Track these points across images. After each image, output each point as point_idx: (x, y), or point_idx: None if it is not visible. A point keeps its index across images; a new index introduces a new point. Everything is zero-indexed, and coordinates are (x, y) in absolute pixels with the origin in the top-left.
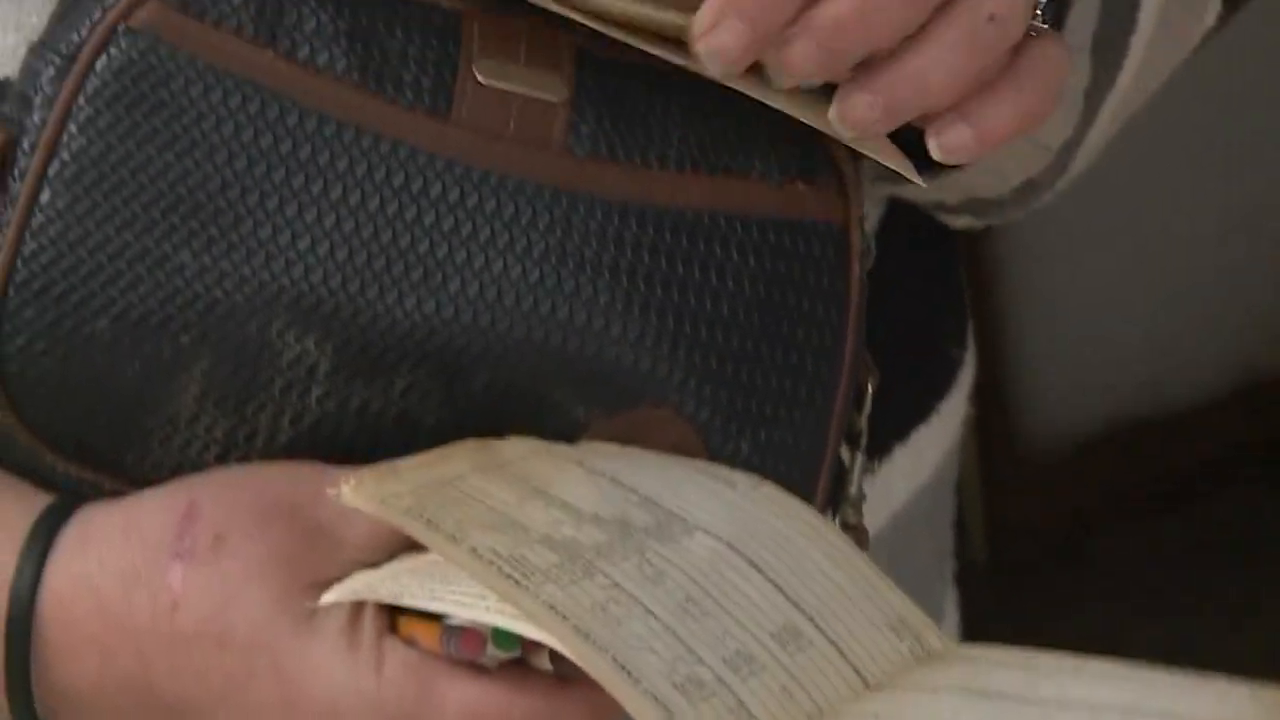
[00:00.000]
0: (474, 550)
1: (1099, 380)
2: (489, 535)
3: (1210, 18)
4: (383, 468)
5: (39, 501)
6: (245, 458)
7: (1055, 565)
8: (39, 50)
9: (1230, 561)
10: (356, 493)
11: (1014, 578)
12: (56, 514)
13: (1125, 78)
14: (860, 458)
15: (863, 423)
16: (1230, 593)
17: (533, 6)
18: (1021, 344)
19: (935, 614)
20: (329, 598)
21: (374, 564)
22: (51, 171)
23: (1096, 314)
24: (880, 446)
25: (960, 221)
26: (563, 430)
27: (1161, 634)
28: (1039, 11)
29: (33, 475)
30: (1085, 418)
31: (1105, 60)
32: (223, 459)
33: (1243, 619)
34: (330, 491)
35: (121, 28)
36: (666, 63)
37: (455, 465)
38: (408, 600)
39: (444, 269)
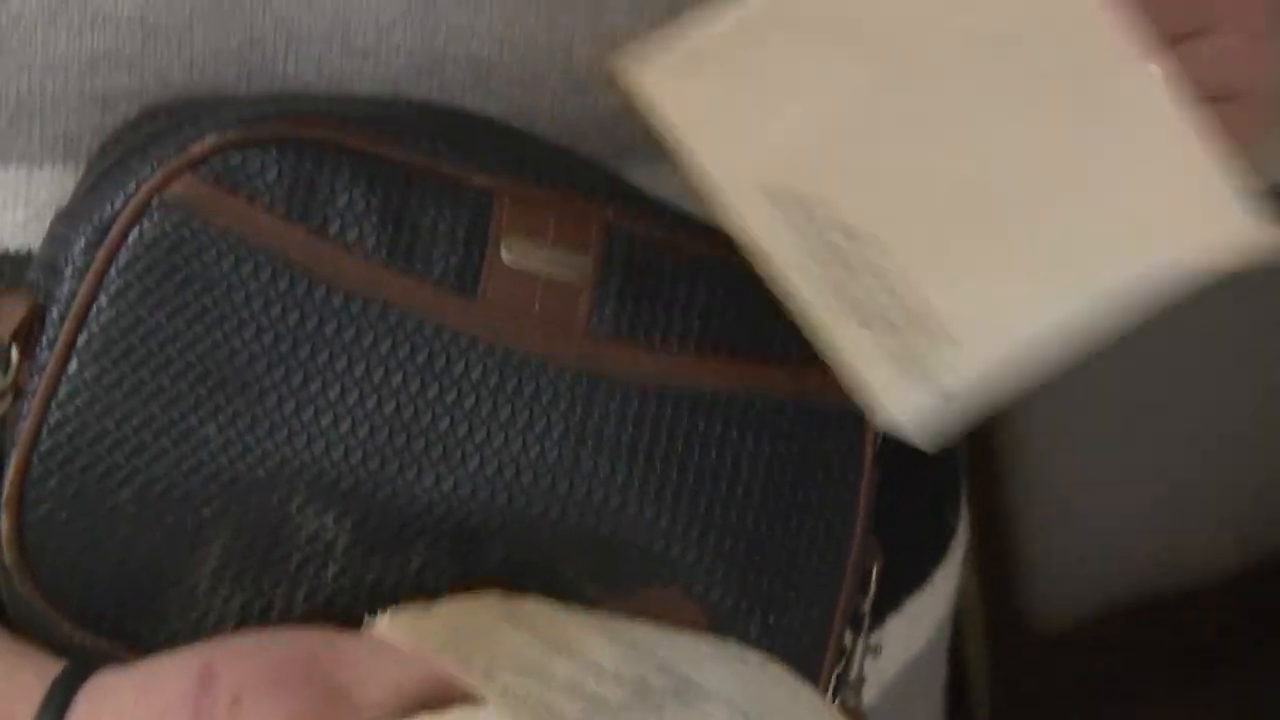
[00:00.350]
0: (505, 689)
1: (1107, 553)
2: (519, 678)
3: None
4: (417, 608)
5: (53, 667)
6: None
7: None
8: (69, 220)
9: None
10: (393, 627)
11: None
12: (71, 678)
13: None
14: (862, 641)
15: (866, 606)
16: None
17: (560, 183)
18: (1030, 516)
19: None
20: None
21: None
22: (80, 342)
23: (1105, 487)
24: (876, 615)
25: None
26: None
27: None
28: None
29: (48, 642)
30: (1093, 591)
31: None
32: (239, 631)
33: None
34: (368, 625)
35: (156, 201)
36: (694, 241)
37: (485, 613)
38: None
39: (464, 447)
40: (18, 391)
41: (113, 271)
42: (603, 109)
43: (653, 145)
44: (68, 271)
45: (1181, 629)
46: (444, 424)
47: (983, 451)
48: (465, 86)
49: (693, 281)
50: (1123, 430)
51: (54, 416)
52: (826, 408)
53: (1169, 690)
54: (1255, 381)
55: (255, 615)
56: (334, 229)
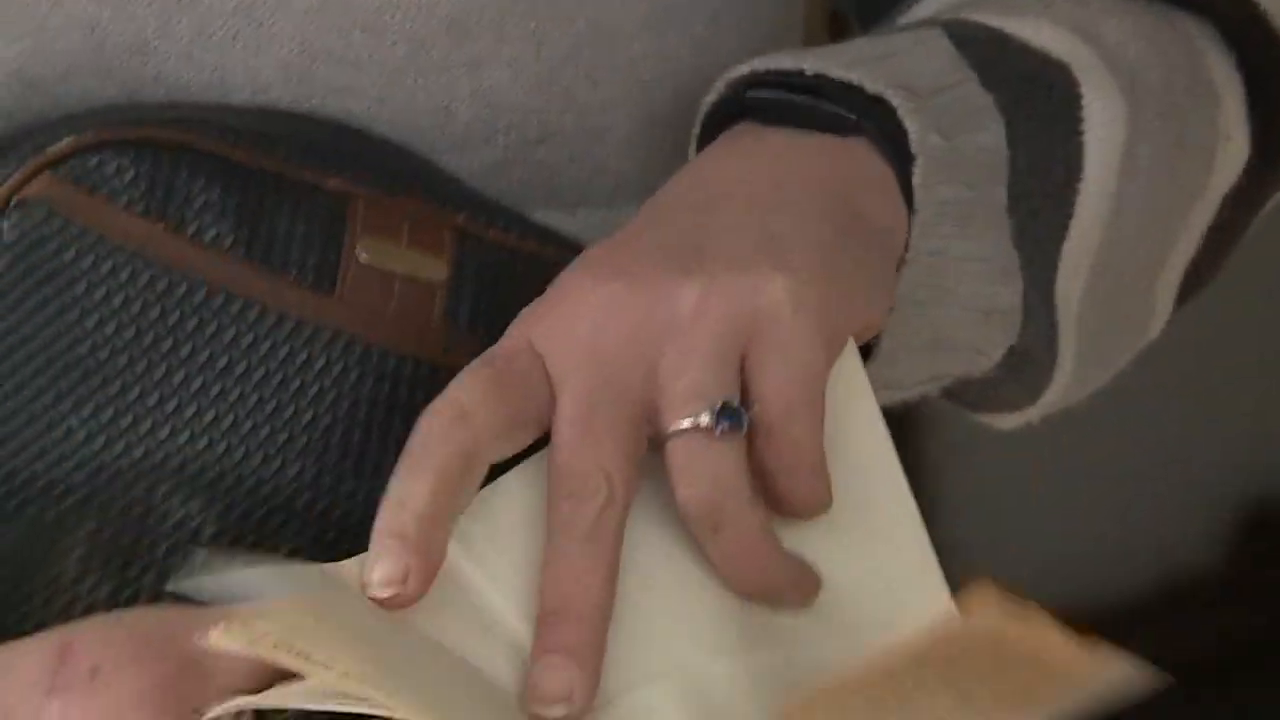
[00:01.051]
0: (346, 673)
1: (1054, 574)
2: (361, 658)
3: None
4: (249, 610)
5: None
6: None
7: None
8: None
9: None
10: (225, 636)
11: None
12: None
13: (1086, 239)
14: None
15: None
16: None
17: (414, 189)
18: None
19: None
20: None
21: (250, 691)
22: None
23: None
24: None
25: (1000, 422)
26: None
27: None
28: None
29: None
30: (1095, 599)
31: (1035, 215)
32: None
33: None
34: (198, 638)
35: (14, 200)
36: (541, 246)
37: (319, 601)
38: (292, 702)
39: (327, 439)
40: None
41: None
42: (478, 164)
43: (524, 195)
44: None
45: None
46: (306, 417)
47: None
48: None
49: (544, 283)
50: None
51: None
52: None
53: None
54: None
55: (123, 602)
56: (192, 228)
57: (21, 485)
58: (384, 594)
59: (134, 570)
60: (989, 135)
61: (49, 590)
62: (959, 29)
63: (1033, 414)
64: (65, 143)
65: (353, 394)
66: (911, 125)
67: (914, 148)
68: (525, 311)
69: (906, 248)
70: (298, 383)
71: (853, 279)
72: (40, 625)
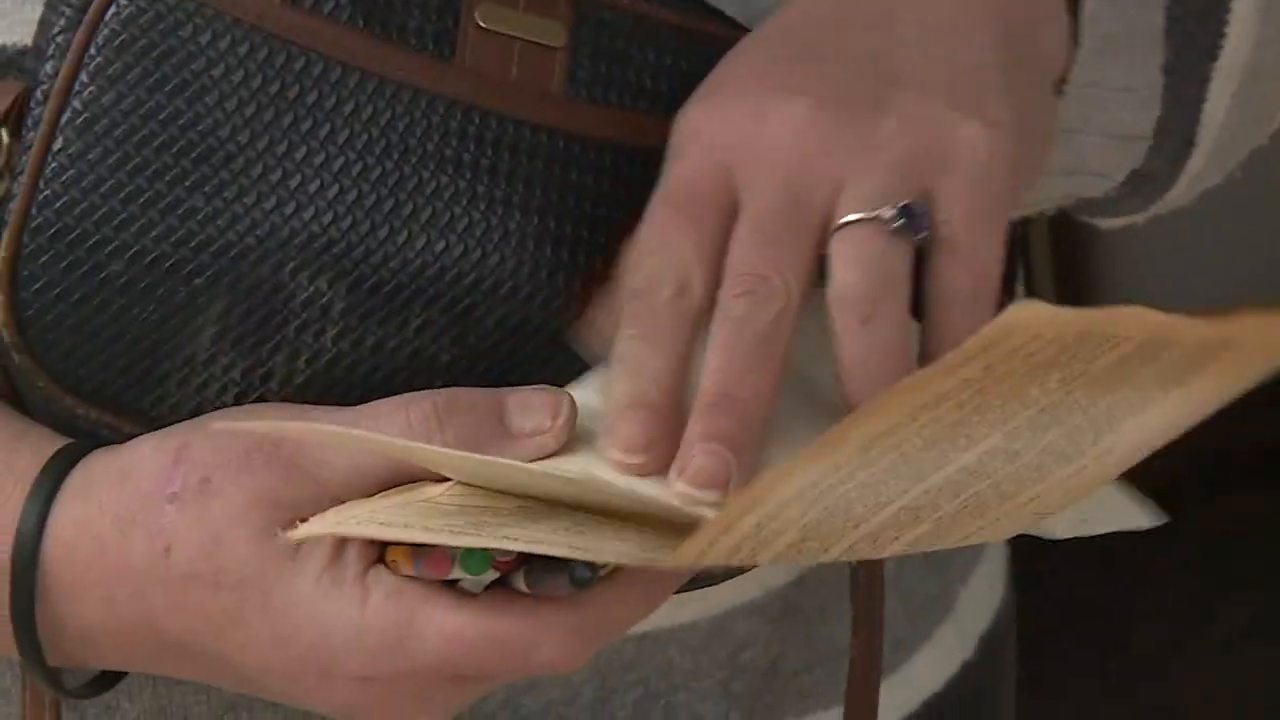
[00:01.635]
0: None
1: None
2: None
3: None
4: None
5: (49, 448)
6: (262, 398)
7: (1144, 537)
8: (52, 3)
9: None
10: (306, 530)
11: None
12: (63, 460)
13: (1237, 57)
14: None
15: None
16: None
17: None
18: None
19: None
20: (299, 533)
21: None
22: (64, 119)
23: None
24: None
25: (1104, 223)
26: (575, 368)
27: (1254, 606)
28: None
29: (51, 418)
30: None
31: (1189, 37)
32: (240, 399)
33: None
34: (279, 537)
35: None
36: (659, 9)
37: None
38: (373, 531)
39: (451, 209)
40: (9, 173)
41: (92, 49)
42: None
43: None
44: (50, 51)
45: (1201, 444)
46: (430, 187)
47: None
48: None
49: (659, 48)
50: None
51: (43, 193)
52: None
53: (1254, 481)
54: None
55: (257, 381)
56: (310, 0)
57: (149, 266)
58: (632, 460)
59: (266, 349)
60: None
61: (183, 371)
62: None
63: (1138, 219)
64: None
65: (474, 163)
66: None
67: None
68: (695, 118)
69: (1064, 79)
70: (419, 153)
71: (1034, 128)
72: (176, 405)
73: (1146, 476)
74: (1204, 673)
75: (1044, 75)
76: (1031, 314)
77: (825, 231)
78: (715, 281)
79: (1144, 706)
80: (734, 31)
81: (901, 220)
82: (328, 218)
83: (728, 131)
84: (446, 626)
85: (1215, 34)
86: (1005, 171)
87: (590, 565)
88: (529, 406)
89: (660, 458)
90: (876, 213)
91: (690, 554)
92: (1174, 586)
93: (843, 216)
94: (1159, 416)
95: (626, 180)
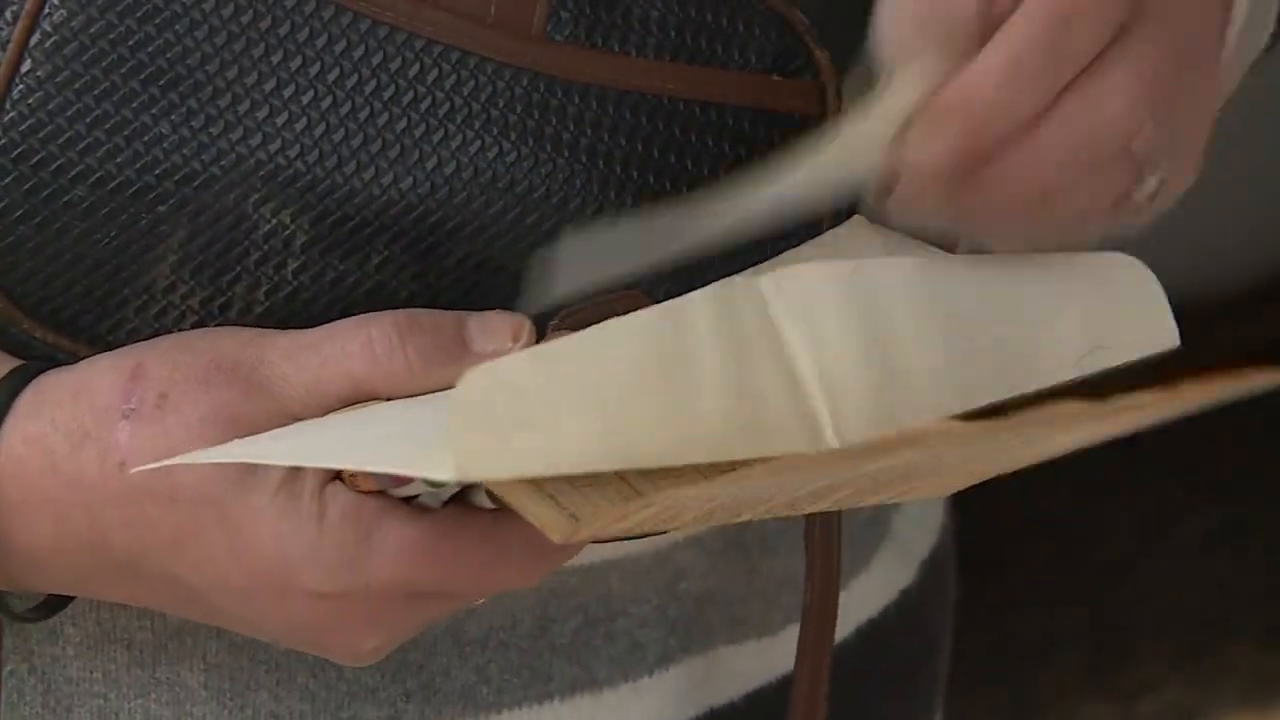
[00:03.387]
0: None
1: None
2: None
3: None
4: None
5: (4, 367)
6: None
7: (1101, 448)
8: None
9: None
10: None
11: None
12: (15, 379)
13: None
14: None
15: None
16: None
17: None
18: None
19: None
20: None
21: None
22: (33, 42)
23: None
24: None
25: None
26: (536, 309)
27: (1210, 515)
28: None
29: (8, 341)
30: None
31: None
32: (199, 328)
33: None
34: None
35: None
36: None
37: None
38: (340, 460)
39: (420, 147)
40: None
41: None
42: None
43: None
44: None
45: (1218, 340)
46: (400, 124)
47: None
48: None
49: None
50: None
51: (8, 115)
52: (783, 115)
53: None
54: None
55: (216, 311)
56: None
57: (112, 192)
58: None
59: (226, 279)
60: None
61: (142, 298)
62: None
63: None
64: None
65: (447, 102)
66: None
67: None
68: None
69: None
70: (391, 90)
71: None
72: (133, 332)
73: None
74: (1164, 583)
75: None
76: (947, 427)
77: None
78: None
79: (1104, 620)
80: None
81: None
82: (294, 151)
83: None
84: (404, 541)
85: None
86: None
87: None
88: (490, 328)
89: None
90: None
91: (582, 533)
92: (1131, 497)
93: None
94: (1093, 431)
95: (610, 125)
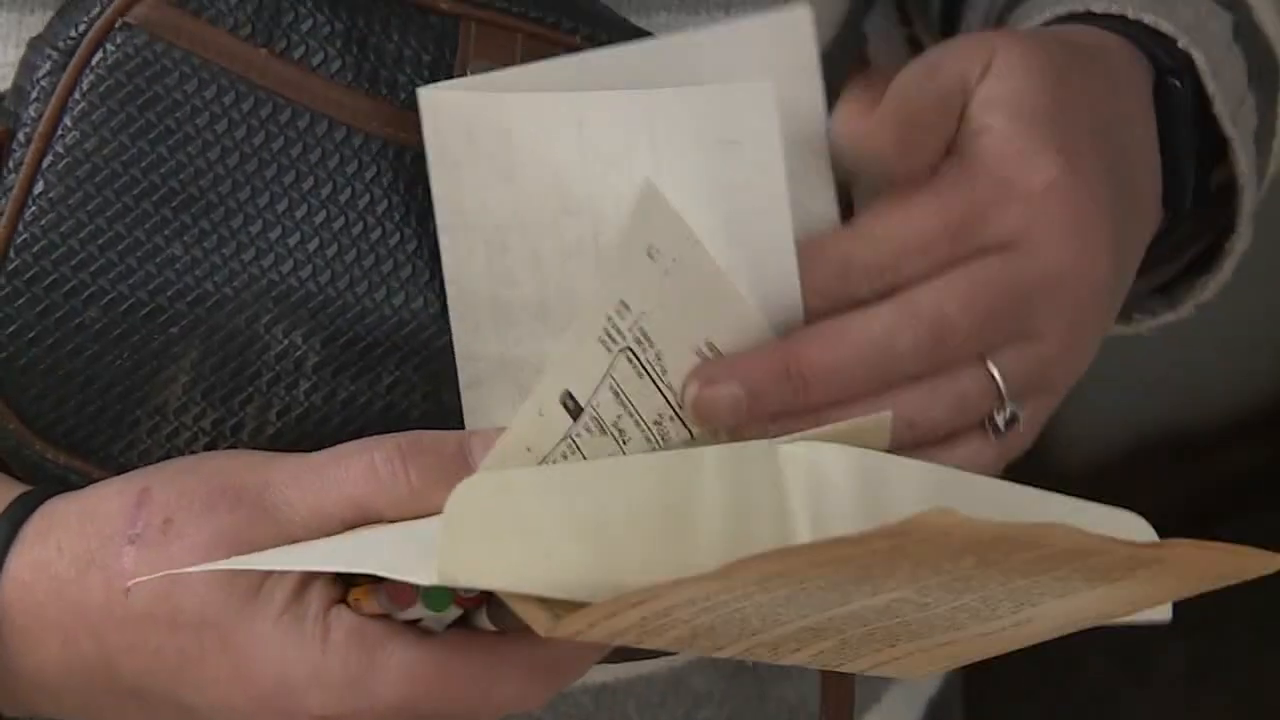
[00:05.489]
0: None
1: (1125, 399)
2: None
3: None
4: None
5: (9, 494)
6: (233, 448)
7: None
8: (37, 45)
9: (1257, 581)
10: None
11: None
12: (23, 505)
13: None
14: None
15: None
16: (1257, 612)
17: (527, 11)
18: None
19: None
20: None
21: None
22: (46, 164)
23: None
24: None
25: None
26: None
27: (1188, 650)
28: None
29: (20, 462)
30: (1112, 436)
31: (1266, 88)
32: (211, 449)
33: (1271, 638)
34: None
35: (119, 23)
36: None
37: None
38: (333, 564)
39: (431, 266)
40: None
41: (77, 94)
42: None
43: None
44: (33, 94)
45: (1199, 472)
46: (412, 244)
47: None
48: None
49: None
50: None
51: (21, 236)
52: None
53: (1196, 529)
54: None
55: (227, 432)
56: (298, 52)
57: (124, 313)
58: None
59: (238, 400)
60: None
61: (154, 419)
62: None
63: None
64: None
65: None
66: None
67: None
68: (963, 61)
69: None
70: (403, 210)
71: None
72: (145, 453)
73: None
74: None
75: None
76: (941, 520)
77: None
78: None
79: None
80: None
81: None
82: (306, 271)
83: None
84: (407, 664)
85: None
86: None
87: None
88: (493, 445)
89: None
90: (1007, 407)
91: (568, 629)
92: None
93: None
94: (1083, 604)
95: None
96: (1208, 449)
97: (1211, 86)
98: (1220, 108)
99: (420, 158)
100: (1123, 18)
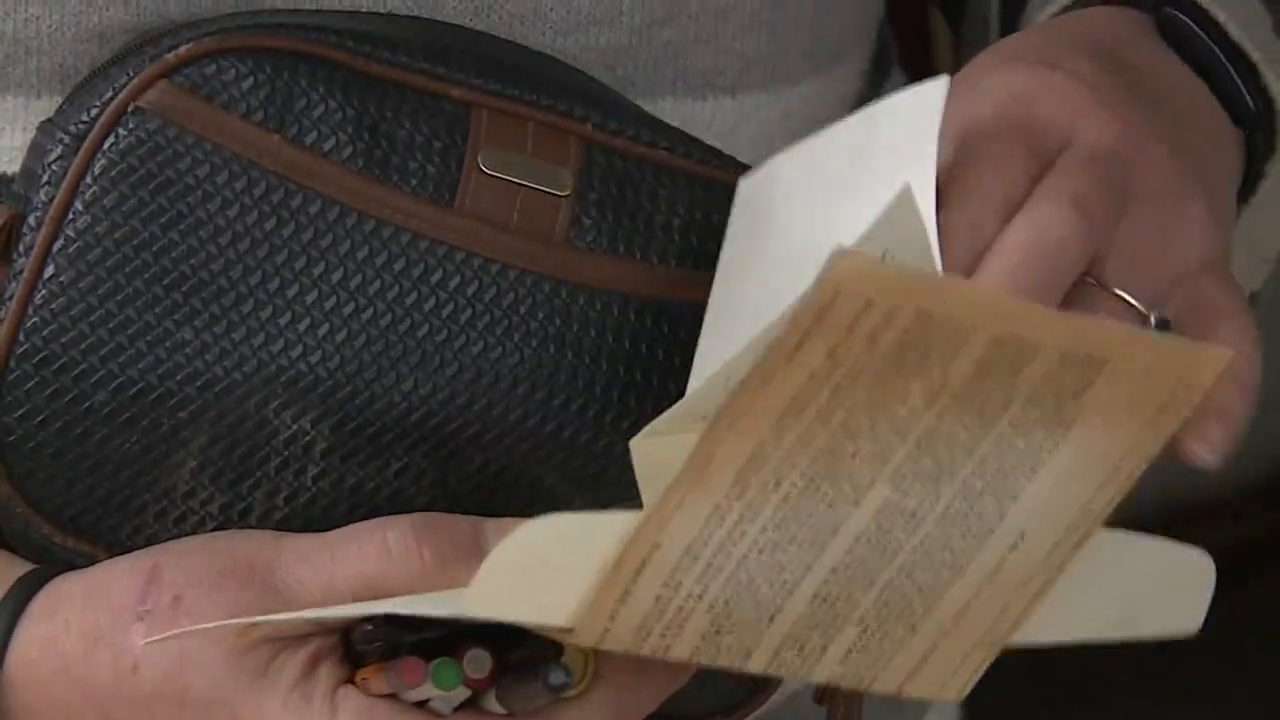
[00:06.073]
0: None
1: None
2: None
3: None
4: None
5: (16, 572)
6: None
7: (1100, 646)
8: (48, 129)
9: (1268, 647)
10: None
11: (1051, 658)
12: (30, 582)
13: None
14: None
15: None
16: (1268, 678)
17: (541, 92)
18: None
19: None
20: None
21: (327, 627)
22: (56, 247)
23: None
24: None
25: None
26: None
27: (1198, 717)
28: None
29: (28, 545)
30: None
31: None
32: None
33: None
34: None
35: (131, 108)
36: (672, 154)
37: None
38: (341, 612)
39: (441, 352)
40: None
41: (88, 178)
42: (603, 45)
43: (652, 80)
44: (44, 178)
45: (1210, 536)
46: (422, 330)
47: None
48: (464, 21)
49: (672, 195)
50: None
51: (31, 320)
52: None
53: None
54: None
55: (235, 516)
56: (310, 138)
57: (133, 397)
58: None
59: (246, 485)
60: None
61: (162, 503)
62: None
63: None
64: (183, 49)
65: (469, 308)
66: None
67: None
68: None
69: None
70: (414, 296)
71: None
72: (153, 537)
73: None
74: None
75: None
76: (850, 263)
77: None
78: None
79: None
80: None
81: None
82: (315, 357)
83: (1057, 91)
84: None
85: None
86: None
87: (565, 669)
88: (507, 533)
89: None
90: (1149, 312)
91: (593, 628)
92: (1122, 699)
93: (1120, 286)
94: (1059, 485)
95: (632, 332)
96: (1216, 514)
97: (1223, 16)
98: (1238, 33)
99: (434, 243)
100: None
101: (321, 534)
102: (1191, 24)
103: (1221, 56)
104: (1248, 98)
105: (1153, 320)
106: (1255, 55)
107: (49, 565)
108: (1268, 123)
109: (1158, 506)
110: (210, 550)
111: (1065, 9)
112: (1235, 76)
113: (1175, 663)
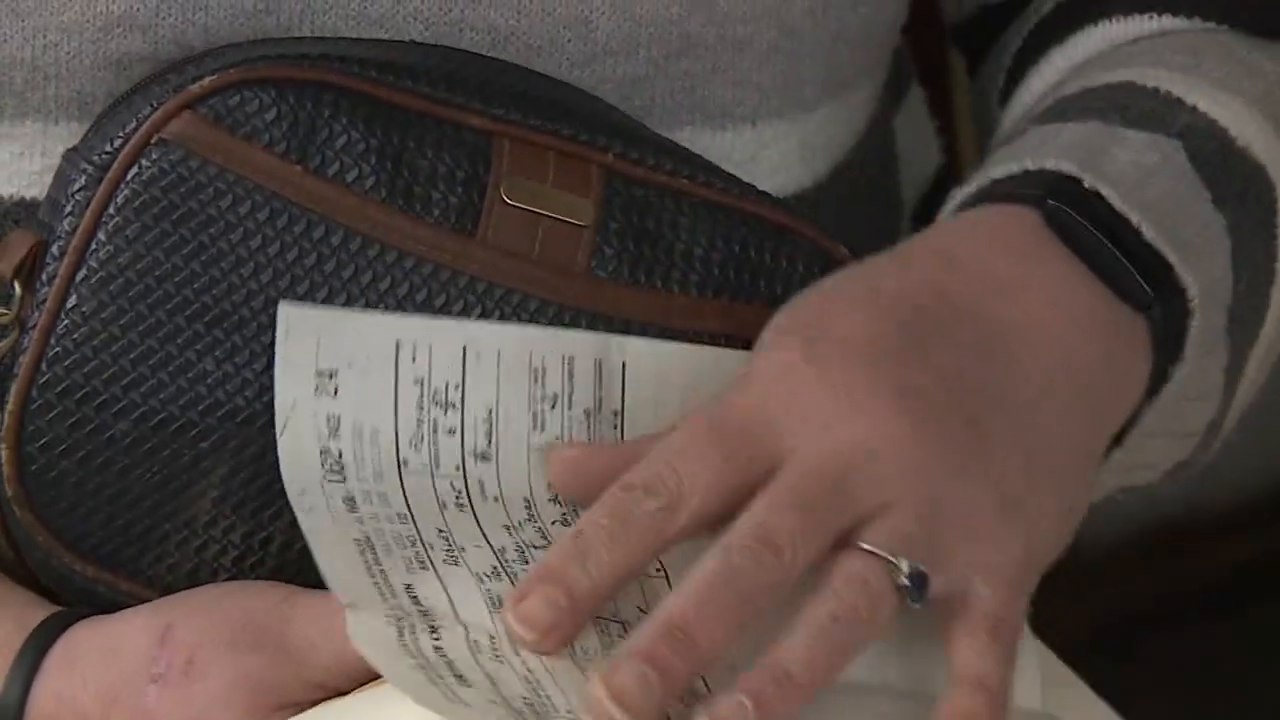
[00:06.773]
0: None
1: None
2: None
3: None
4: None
5: (32, 617)
6: (260, 563)
7: (1103, 665)
8: (72, 158)
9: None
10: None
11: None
12: (47, 632)
13: (1269, 330)
14: None
15: None
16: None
17: (561, 122)
18: None
19: None
20: None
21: (339, 690)
22: (79, 277)
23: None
24: None
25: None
26: None
27: None
28: None
29: (49, 573)
30: (1130, 518)
31: (1244, 327)
32: (239, 562)
33: None
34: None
35: (155, 138)
36: (693, 182)
37: None
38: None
39: None
40: (20, 325)
41: (111, 208)
42: (621, 76)
43: (669, 111)
44: (68, 208)
45: (1218, 555)
46: None
47: None
48: (481, 52)
49: (693, 224)
50: None
51: (53, 349)
52: None
53: (1204, 619)
54: None
55: (256, 546)
56: (332, 169)
57: (155, 427)
58: (525, 633)
59: (267, 514)
60: (1219, 264)
61: (183, 533)
62: (1190, 137)
63: None
64: (206, 81)
65: None
66: (1195, 323)
67: (1188, 349)
68: (780, 357)
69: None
70: None
71: (1078, 508)
72: (174, 567)
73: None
74: None
75: (1115, 422)
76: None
77: (842, 537)
78: (709, 518)
79: None
80: (775, 210)
81: (909, 583)
82: None
83: (810, 393)
84: None
85: (1258, 321)
86: (1032, 580)
87: None
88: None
89: (552, 644)
90: (896, 561)
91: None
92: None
93: (868, 540)
94: None
95: None
96: (1222, 534)
97: (1127, 209)
98: (1150, 233)
99: (455, 274)
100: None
101: (332, 595)
102: (1075, 215)
103: (1108, 244)
104: (1143, 285)
105: (905, 569)
106: (1172, 256)
107: (64, 610)
108: (1179, 306)
109: (1176, 516)
110: (223, 608)
111: (967, 203)
112: (1129, 266)
113: (1189, 682)
